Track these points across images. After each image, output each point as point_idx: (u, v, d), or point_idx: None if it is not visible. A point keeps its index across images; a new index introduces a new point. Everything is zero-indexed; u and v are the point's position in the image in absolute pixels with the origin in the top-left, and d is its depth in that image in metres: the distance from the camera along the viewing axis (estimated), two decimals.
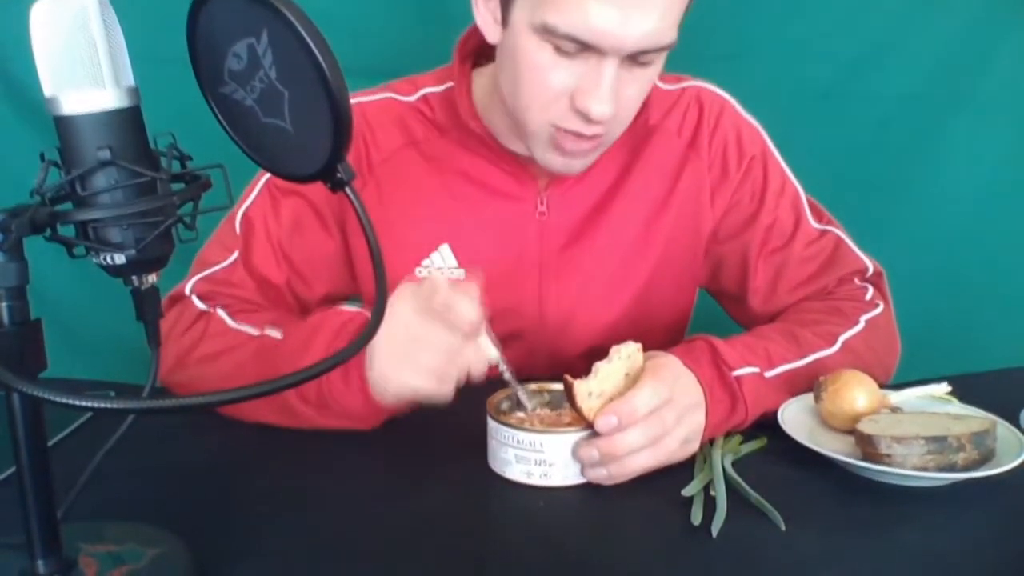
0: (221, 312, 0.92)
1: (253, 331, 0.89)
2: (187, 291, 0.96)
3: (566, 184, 1.00)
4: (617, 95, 0.84)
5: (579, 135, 0.87)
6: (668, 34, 0.83)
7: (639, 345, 0.78)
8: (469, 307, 0.74)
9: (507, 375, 0.79)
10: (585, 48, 0.81)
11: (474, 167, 0.99)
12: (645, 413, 0.73)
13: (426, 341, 0.75)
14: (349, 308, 0.85)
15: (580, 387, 0.73)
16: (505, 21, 0.87)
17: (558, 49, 0.82)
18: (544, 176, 0.99)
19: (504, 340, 0.79)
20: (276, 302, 0.99)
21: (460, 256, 1.00)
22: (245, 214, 0.99)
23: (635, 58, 0.83)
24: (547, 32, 0.81)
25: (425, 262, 1.00)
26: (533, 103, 0.87)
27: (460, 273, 0.99)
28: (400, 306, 0.75)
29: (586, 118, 0.85)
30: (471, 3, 0.91)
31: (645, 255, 1.03)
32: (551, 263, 1.02)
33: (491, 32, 0.90)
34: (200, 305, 0.94)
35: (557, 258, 1.02)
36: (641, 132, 1.01)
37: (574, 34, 0.80)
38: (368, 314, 0.83)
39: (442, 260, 1.00)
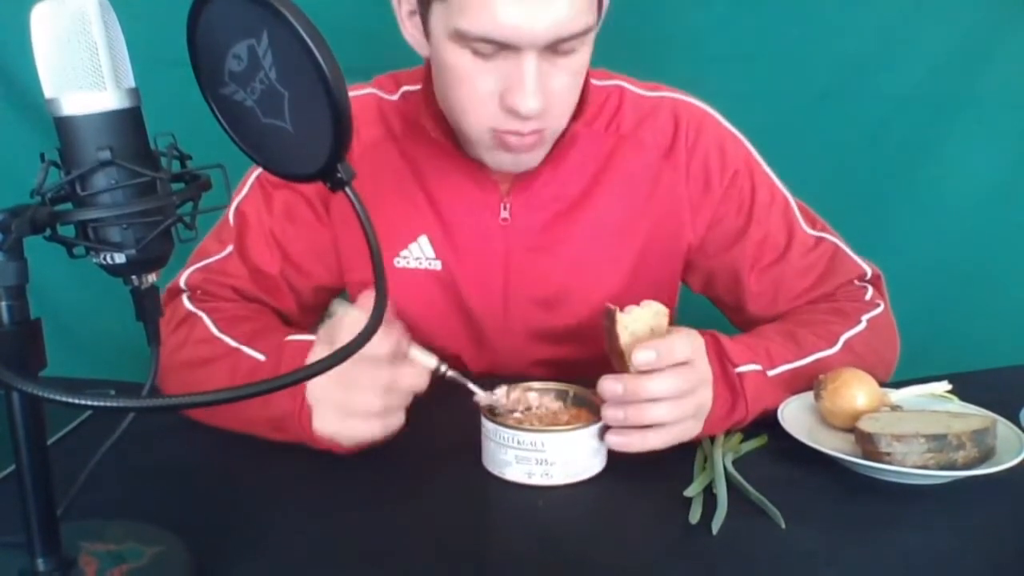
0: (207, 319, 0.91)
1: (233, 343, 0.87)
2: (182, 284, 0.97)
3: (530, 191, 0.99)
4: (544, 88, 0.84)
5: (518, 133, 0.88)
6: (582, 19, 0.82)
7: (667, 311, 0.80)
8: (378, 339, 0.72)
9: (451, 374, 0.78)
10: (501, 47, 0.82)
11: (441, 169, 0.99)
12: (680, 359, 0.75)
13: (357, 387, 0.73)
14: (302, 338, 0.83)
15: (621, 317, 0.76)
16: (428, 34, 0.88)
17: (476, 52, 0.83)
18: (506, 182, 0.99)
19: (470, 340, 0.79)
20: (271, 291, 1.00)
21: (438, 248, 1.01)
22: (238, 208, 1.00)
23: (554, 48, 0.83)
24: (461, 38, 0.82)
25: (404, 252, 1.01)
26: (467, 110, 0.89)
27: (438, 264, 1.01)
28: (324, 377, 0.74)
29: (518, 115, 0.85)
30: (399, 22, 0.92)
31: (616, 265, 1.02)
32: (516, 269, 1.01)
33: (421, 47, 0.91)
34: (188, 306, 0.93)
35: (522, 264, 1.01)
36: (612, 140, 1.00)
37: (486, 35, 0.81)
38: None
39: (420, 251, 1.01)
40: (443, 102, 0.92)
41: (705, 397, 0.79)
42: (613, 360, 0.79)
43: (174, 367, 0.89)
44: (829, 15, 1.49)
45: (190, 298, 0.95)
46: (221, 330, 0.90)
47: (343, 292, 1.06)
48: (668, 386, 0.75)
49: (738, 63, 1.45)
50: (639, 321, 0.78)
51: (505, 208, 0.99)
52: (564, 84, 0.87)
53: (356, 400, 0.74)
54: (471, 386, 0.78)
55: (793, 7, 1.48)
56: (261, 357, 0.84)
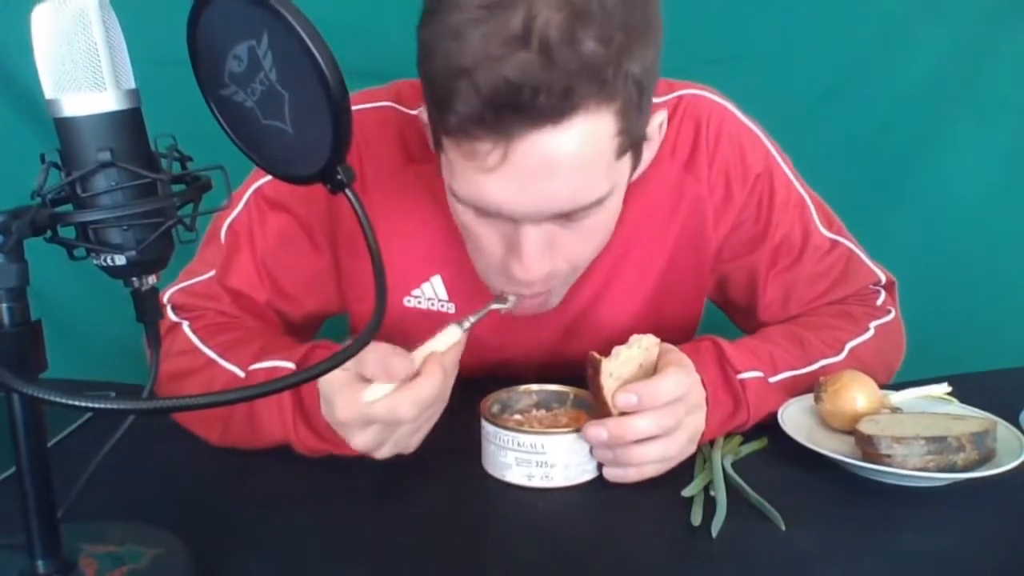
0: (186, 327, 0.89)
1: (213, 355, 0.85)
2: (164, 300, 0.92)
3: None
4: (553, 247, 0.78)
5: (521, 295, 0.83)
6: (590, 192, 0.74)
7: (657, 340, 0.78)
8: (431, 383, 0.69)
9: (475, 321, 0.74)
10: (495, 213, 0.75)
11: None
12: (665, 401, 0.73)
13: (409, 430, 0.72)
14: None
15: (604, 365, 0.73)
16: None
17: (476, 211, 0.77)
18: None
19: (496, 365, 0.77)
20: (255, 315, 0.95)
21: (452, 289, 0.95)
22: (231, 226, 0.94)
23: (564, 216, 0.75)
24: (457, 198, 0.77)
25: (415, 292, 0.96)
26: (475, 259, 0.85)
27: (451, 307, 0.96)
28: (364, 439, 0.72)
29: (515, 279, 0.79)
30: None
31: (643, 283, 0.98)
32: None
33: None
34: (172, 316, 0.91)
35: None
36: None
37: (476, 204, 0.75)
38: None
39: (433, 292, 0.96)
40: None
41: (697, 423, 0.77)
42: (598, 407, 0.75)
43: (159, 379, 0.87)
44: (829, 15, 1.49)
45: (173, 309, 0.92)
46: (201, 340, 0.87)
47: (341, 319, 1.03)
48: (653, 426, 0.72)
49: (738, 63, 1.45)
50: (628, 363, 0.75)
51: None
52: (577, 241, 0.80)
53: (412, 436, 0.72)
54: (493, 307, 0.77)
55: (793, 7, 1.48)
56: (240, 373, 0.82)
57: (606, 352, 0.74)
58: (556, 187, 0.71)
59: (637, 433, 0.72)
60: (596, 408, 0.76)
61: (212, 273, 0.93)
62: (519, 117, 0.67)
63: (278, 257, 0.94)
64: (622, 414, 0.73)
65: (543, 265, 0.78)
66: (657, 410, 0.72)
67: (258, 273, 0.93)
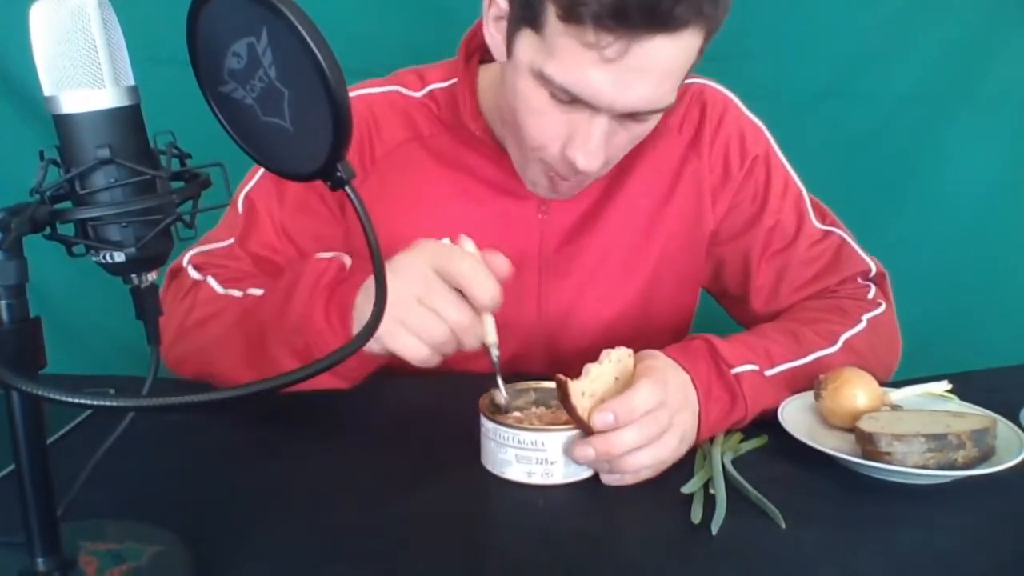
0: (211, 280, 0.93)
1: (238, 293, 0.90)
2: (184, 263, 0.97)
3: None
4: (606, 145, 0.85)
5: (565, 178, 0.90)
6: (665, 99, 0.83)
7: (630, 351, 0.78)
8: (490, 286, 0.73)
9: (495, 363, 0.78)
10: (579, 100, 0.81)
11: (478, 164, 0.99)
12: (642, 413, 0.73)
13: (435, 311, 0.73)
14: (325, 255, 0.84)
15: (573, 386, 0.73)
16: (510, 52, 0.87)
17: (553, 96, 0.83)
18: None
19: (501, 334, 0.79)
20: (274, 277, 0.98)
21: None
22: (248, 196, 1.00)
23: (631, 115, 0.84)
24: (544, 79, 0.82)
25: None
26: (528, 140, 0.88)
27: None
28: (419, 262, 0.74)
29: (573, 167, 0.86)
30: (484, 19, 0.90)
31: (645, 254, 1.03)
32: (551, 261, 1.02)
33: (498, 53, 0.90)
34: (194, 274, 0.95)
35: (557, 256, 1.01)
36: None
37: (569, 89, 0.80)
38: (346, 259, 0.83)
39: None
40: (508, 118, 0.91)
41: (685, 423, 0.77)
42: (580, 427, 0.74)
43: (187, 330, 0.91)
44: (829, 15, 1.50)
45: (195, 267, 0.96)
46: (226, 288, 0.91)
47: None
48: (638, 437, 0.72)
49: (738, 61, 1.44)
50: (601, 378, 0.75)
51: (544, 200, 1.00)
52: (624, 142, 0.88)
53: (424, 322, 0.73)
54: (500, 386, 0.79)
55: (793, 6, 1.48)
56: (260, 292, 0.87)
57: (596, 356, 0.74)
58: (648, 88, 0.80)
59: (623, 447, 0.72)
60: (578, 426, 0.74)
61: (231, 241, 0.98)
62: (654, 19, 0.75)
63: (296, 220, 0.99)
64: None
65: (602, 155, 0.85)
66: (638, 421, 0.73)
67: (278, 237, 0.99)
